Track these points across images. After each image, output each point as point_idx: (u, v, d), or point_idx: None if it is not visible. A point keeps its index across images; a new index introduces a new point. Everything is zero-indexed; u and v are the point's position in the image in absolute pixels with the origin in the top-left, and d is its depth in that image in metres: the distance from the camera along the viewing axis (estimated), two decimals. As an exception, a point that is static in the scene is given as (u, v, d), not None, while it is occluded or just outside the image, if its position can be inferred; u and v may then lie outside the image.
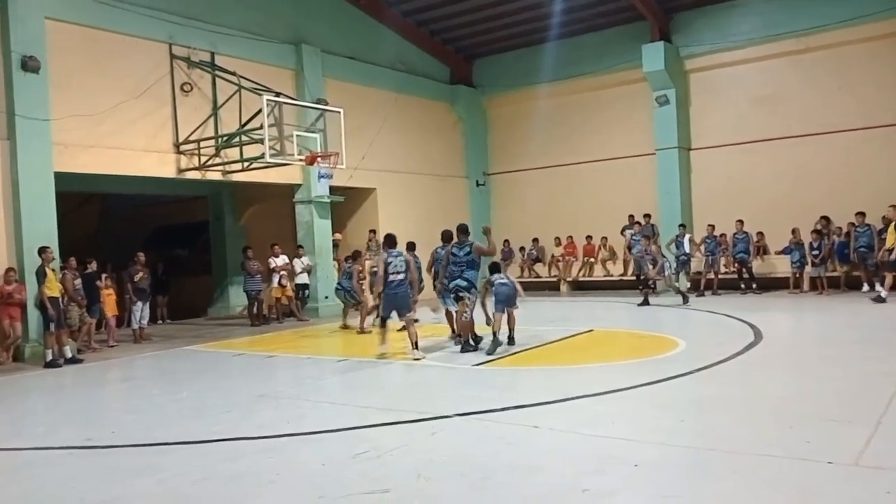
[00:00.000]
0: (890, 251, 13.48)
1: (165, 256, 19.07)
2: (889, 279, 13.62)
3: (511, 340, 10.26)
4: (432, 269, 11.59)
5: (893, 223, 13.72)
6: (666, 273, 15.34)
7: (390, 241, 10.15)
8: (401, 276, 9.80)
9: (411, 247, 11.82)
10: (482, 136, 22.05)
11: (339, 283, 14.32)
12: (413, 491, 4.57)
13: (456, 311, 10.38)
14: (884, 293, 13.42)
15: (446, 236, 10.74)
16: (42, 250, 10.95)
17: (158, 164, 13.78)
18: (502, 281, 10.24)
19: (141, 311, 13.58)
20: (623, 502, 4.21)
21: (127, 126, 13.17)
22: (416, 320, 10.39)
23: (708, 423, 5.96)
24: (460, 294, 10.07)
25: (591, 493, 4.34)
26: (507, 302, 10.09)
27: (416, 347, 9.71)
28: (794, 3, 16.83)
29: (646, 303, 15.08)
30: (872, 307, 12.95)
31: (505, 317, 10.09)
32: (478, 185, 21.75)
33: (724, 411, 6.38)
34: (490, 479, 4.71)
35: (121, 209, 21.20)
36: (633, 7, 17.70)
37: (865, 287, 14.62)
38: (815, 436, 5.23)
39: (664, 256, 15.75)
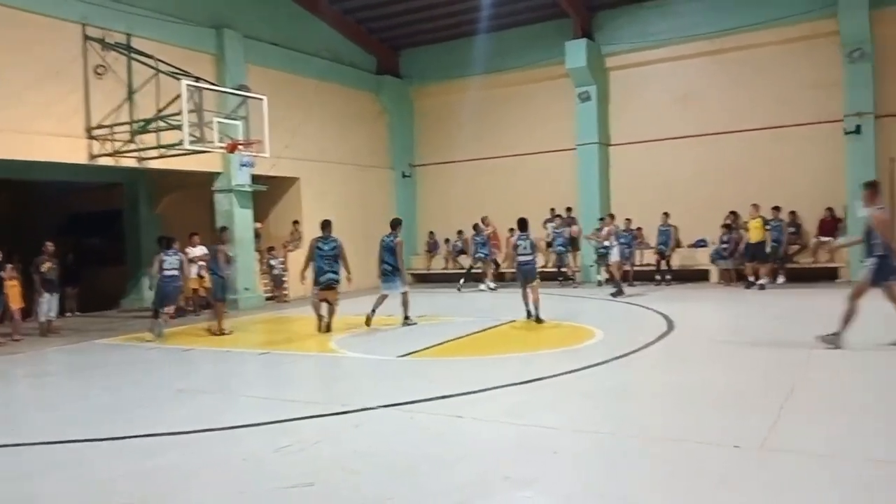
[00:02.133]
0: (762, 244, 15.31)
1: (78, 245, 18.28)
2: (765, 269, 15.28)
3: (538, 319, 11.19)
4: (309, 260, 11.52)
5: (753, 220, 15.48)
6: (615, 259, 15.47)
7: (522, 224, 11.61)
8: (528, 257, 11.37)
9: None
10: (408, 128, 22.03)
11: (215, 271, 12.16)
12: (338, 483, 4.57)
13: (314, 300, 11.28)
14: (763, 281, 15.15)
15: (393, 224, 11.89)
16: (-59, 239, 10.32)
17: (70, 149, 13.16)
18: (524, 258, 11.27)
19: (49, 303, 12.98)
20: (543, 489, 4.33)
21: (37, 110, 12.52)
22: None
23: (624, 411, 6.18)
24: (332, 286, 11.12)
25: (512, 481, 4.44)
26: (524, 277, 11.25)
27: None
28: (710, 5, 17.49)
29: (620, 293, 14.94)
30: (778, 298, 13.67)
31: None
32: (404, 176, 21.75)
33: (639, 399, 6.64)
34: (415, 469, 4.76)
35: (33, 196, 20.13)
36: (557, 3, 18.02)
37: (767, 279, 15.38)
38: (723, 422, 5.51)
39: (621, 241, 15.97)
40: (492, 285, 17.80)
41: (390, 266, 11.53)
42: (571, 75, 18.65)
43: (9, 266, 12.59)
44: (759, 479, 4.32)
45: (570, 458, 4.90)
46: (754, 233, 15.44)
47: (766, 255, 15.32)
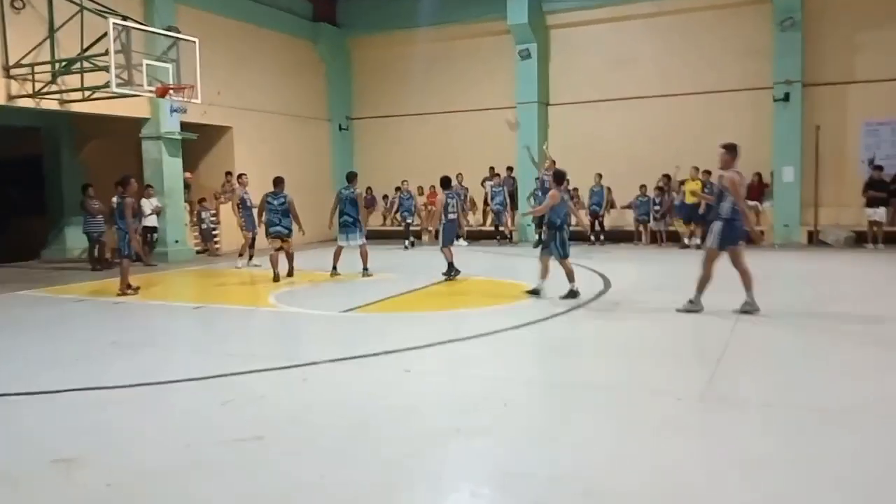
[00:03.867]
0: (697, 205, 15.51)
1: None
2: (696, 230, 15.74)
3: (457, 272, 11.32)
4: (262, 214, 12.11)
5: (693, 181, 15.97)
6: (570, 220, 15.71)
7: (449, 182, 11.55)
8: (456, 214, 11.45)
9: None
10: (346, 79, 21.53)
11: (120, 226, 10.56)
12: (288, 437, 4.51)
13: (271, 252, 11.82)
14: (694, 240, 15.76)
15: (350, 177, 12.12)
16: None
17: (-16, 89, 12.35)
18: (455, 216, 11.28)
19: (-36, 253, 12.27)
20: (497, 440, 4.39)
21: (-56, 44, 11.65)
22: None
23: (567, 363, 6.32)
24: (282, 237, 11.74)
25: (464, 432, 4.48)
26: (455, 234, 11.34)
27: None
28: (650, -34, 17.58)
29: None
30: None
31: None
32: (340, 129, 21.31)
33: (581, 352, 6.80)
34: (367, 422, 4.74)
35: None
36: (500, -43, 17.78)
37: (697, 240, 15.88)
38: (663, 374, 5.70)
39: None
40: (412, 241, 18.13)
41: (352, 217, 11.79)
42: (512, 31, 18.52)
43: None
44: (701, 425, 4.50)
45: (519, 408, 4.97)
46: (691, 195, 15.82)
47: (701, 217, 15.60)
